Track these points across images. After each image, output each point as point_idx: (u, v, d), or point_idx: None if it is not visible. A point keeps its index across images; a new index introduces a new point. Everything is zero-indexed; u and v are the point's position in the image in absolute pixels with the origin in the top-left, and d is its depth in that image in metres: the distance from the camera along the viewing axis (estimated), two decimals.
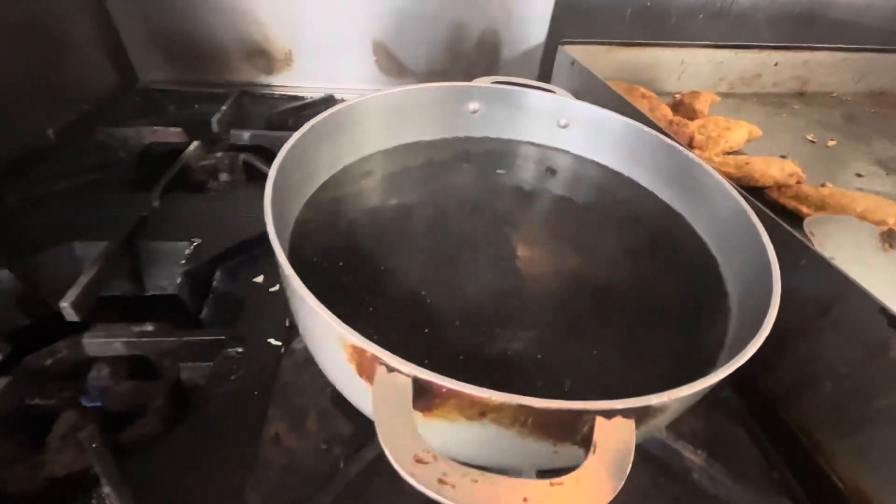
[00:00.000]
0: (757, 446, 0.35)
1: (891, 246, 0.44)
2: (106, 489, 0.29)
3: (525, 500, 0.15)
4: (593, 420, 0.18)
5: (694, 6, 0.91)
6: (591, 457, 0.17)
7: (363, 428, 0.33)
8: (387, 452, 0.16)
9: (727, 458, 0.33)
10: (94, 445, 0.31)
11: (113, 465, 0.30)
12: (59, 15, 0.63)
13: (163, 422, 0.36)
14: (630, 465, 0.17)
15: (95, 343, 0.37)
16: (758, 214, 0.35)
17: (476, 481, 0.16)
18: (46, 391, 0.38)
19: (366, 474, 0.30)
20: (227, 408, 0.35)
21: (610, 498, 0.16)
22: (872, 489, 0.31)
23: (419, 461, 0.16)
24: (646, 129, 0.39)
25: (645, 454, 0.33)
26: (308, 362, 0.38)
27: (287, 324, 0.40)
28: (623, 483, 0.16)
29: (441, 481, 0.16)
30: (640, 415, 0.19)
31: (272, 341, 0.39)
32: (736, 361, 0.20)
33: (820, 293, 0.34)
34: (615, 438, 0.17)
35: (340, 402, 0.35)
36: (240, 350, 0.38)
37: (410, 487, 0.30)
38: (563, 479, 0.16)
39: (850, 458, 0.32)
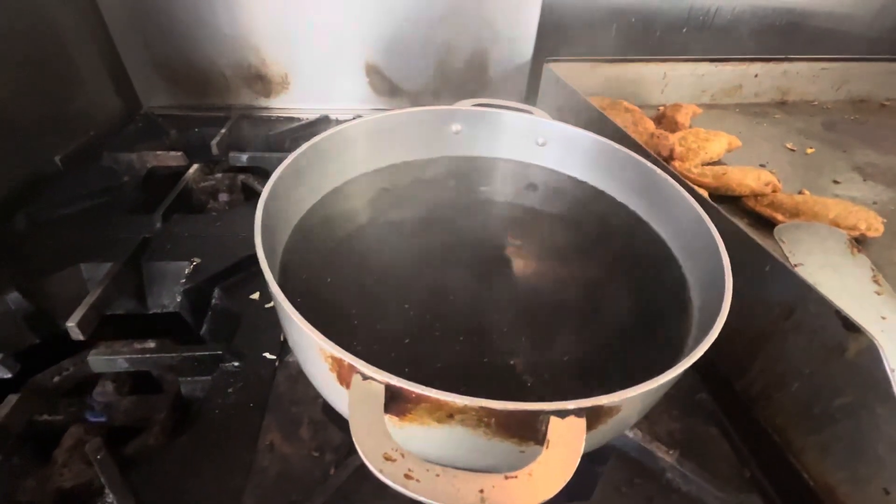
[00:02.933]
0: (730, 445, 0.36)
1: (858, 250, 0.46)
2: (109, 498, 0.31)
3: (481, 491, 0.17)
4: (549, 421, 0.20)
5: (677, 20, 0.94)
6: (544, 452, 0.19)
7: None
8: (359, 451, 0.18)
9: (700, 457, 0.34)
10: (98, 456, 0.33)
11: (116, 474, 0.32)
12: (66, 47, 0.67)
13: (165, 434, 0.38)
14: (578, 461, 0.19)
15: (100, 360, 0.39)
16: (726, 224, 0.38)
17: (438, 475, 0.18)
18: (54, 407, 0.40)
19: (355, 479, 0.32)
20: (225, 419, 0.37)
21: (558, 489, 0.18)
22: (838, 484, 0.32)
23: (388, 458, 0.18)
24: (616, 146, 0.41)
25: (621, 455, 0.34)
26: (301, 374, 0.40)
27: (281, 338, 0.42)
28: (571, 475, 0.18)
29: (407, 476, 0.17)
30: (592, 414, 0.20)
31: (267, 355, 0.41)
32: (680, 366, 0.22)
33: (784, 298, 0.35)
34: (567, 436, 0.19)
35: (331, 412, 0.37)
36: (237, 364, 0.40)
37: (395, 492, 0.31)
38: (517, 472, 0.18)
39: (818, 455, 0.33)
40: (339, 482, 0.31)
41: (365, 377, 0.20)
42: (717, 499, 0.32)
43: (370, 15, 0.76)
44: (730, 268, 0.29)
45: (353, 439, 0.18)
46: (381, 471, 0.17)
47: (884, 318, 0.40)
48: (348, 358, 0.21)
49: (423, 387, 0.20)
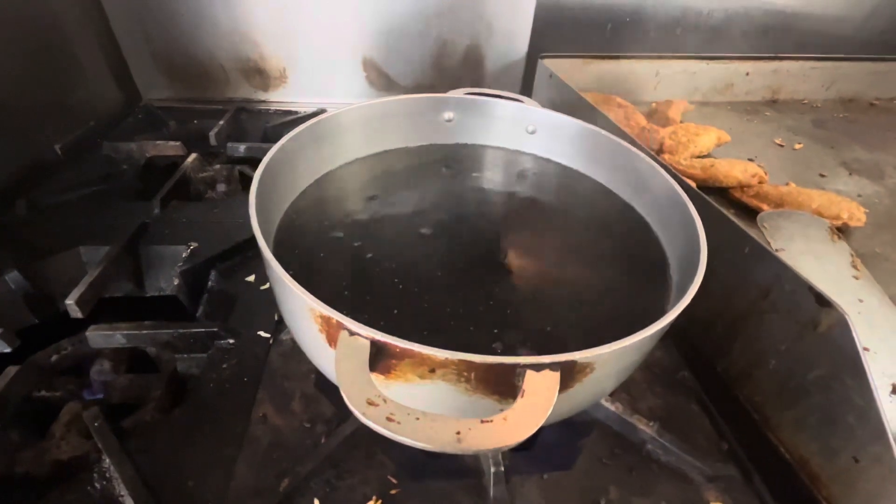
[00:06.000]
0: (709, 421, 0.37)
1: (839, 238, 0.47)
2: (107, 462, 0.32)
3: (458, 433, 0.18)
4: (525, 374, 0.21)
5: (671, 20, 0.95)
6: (518, 400, 0.20)
7: (343, 407, 0.35)
8: (345, 398, 0.19)
9: (680, 430, 0.35)
10: (96, 424, 0.34)
11: (113, 440, 0.33)
12: (68, 39, 0.68)
13: (160, 411, 0.39)
14: (550, 409, 0.20)
15: (98, 336, 0.40)
16: (708, 209, 0.39)
17: (418, 419, 0.19)
18: (52, 385, 0.41)
19: (344, 447, 0.33)
20: (220, 393, 0.38)
21: (529, 433, 0.19)
22: (812, 456, 0.33)
23: (371, 403, 0.19)
24: (602, 132, 0.42)
25: (603, 428, 0.36)
26: (294, 351, 0.41)
27: (276, 317, 0.44)
28: (543, 421, 0.19)
29: (389, 419, 0.19)
30: (566, 370, 0.22)
31: (262, 333, 0.42)
32: (650, 329, 0.23)
33: (762, 278, 0.37)
34: (541, 387, 0.20)
35: (323, 386, 0.38)
36: (232, 341, 0.41)
37: (382, 459, 0.32)
38: (493, 417, 0.19)
39: (792, 429, 0.35)
40: (328, 450, 0.32)
41: (351, 333, 0.22)
42: (696, 468, 0.33)
43: (367, 10, 0.78)
44: (705, 239, 0.30)
45: (339, 387, 0.20)
46: (364, 414, 0.19)
47: (861, 300, 0.42)
48: (336, 315, 0.22)
49: (406, 341, 0.21)
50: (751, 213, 0.58)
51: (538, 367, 0.21)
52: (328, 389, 0.37)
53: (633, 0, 0.91)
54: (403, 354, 0.21)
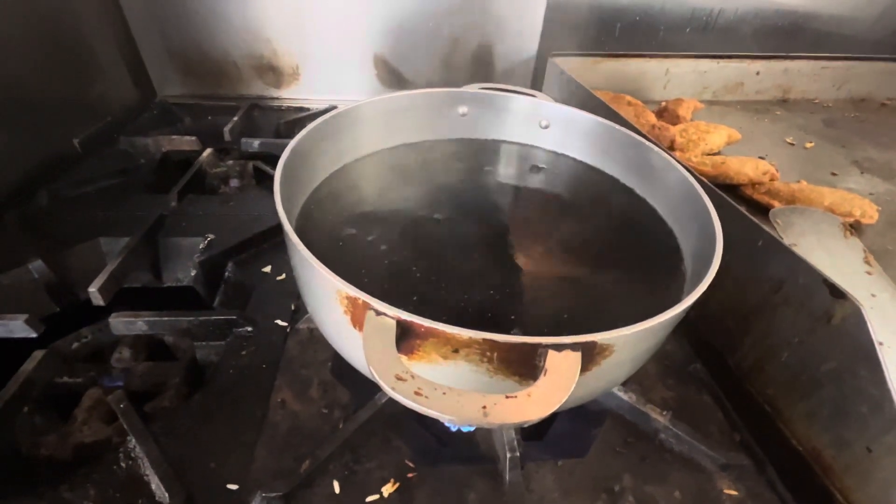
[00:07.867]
0: (721, 412, 0.38)
1: (851, 234, 0.47)
2: (132, 443, 0.33)
3: (484, 407, 0.19)
4: (547, 354, 0.21)
5: (681, 20, 0.95)
6: (541, 378, 0.20)
7: (359, 394, 0.36)
8: (374, 373, 0.20)
9: (692, 420, 0.36)
10: (121, 405, 0.34)
11: (138, 420, 0.33)
12: (87, 36, 0.69)
13: (179, 397, 0.40)
14: (572, 387, 0.20)
15: (121, 322, 0.41)
16: (720, 201, 0.39)
17: (445, 394, 0.19)
18: (73, 371, 0.42)
19: (361, 433, 0.33)
20: (239, 378, 0.38)
21: (552, 410, 0.19)
22: (824, 447, 0.34)
23: (399, 378, 0.20)
24: (616, 126, 0.43)
25: (617, 418, 0.36)
26: (311, 340, 0.41)
27: (292, 307, 0.44)
28: (564, 400, 0.20)
29: (416, 393, 0.19)
30: (587, 351, 0.22)
31: (279, 322, 0.43)
32: (668, 313, 0.24)
33: (774, 272, 0.37)
34: (563, 367, 0.21)
35: (340, 373, 0.38)
36: (250, 329, 0.42)
37: (398, 444, 0.33)
38: (517, 393, 0.20)
39: (805, 421, 0.35)
40: (346, 435, 0.33)
41: (378, 313, 0.22)
42: (708, 457, 0.34)
43: (379, 8, 0.79)
44: (720, 228, 0.30)
45: (368, 364, 0.20)
46: (393, 388, 0.19)
47: (873, 295, 0.42)
48: (363, 296, 0.23)
49: (431, 321, 0.22)
50: (762, 211, 0.58)
51: (559, 348, 0.21)
52: (345, 377, 0.38)
53: (643, 0, 0.91)
54: (428, 334, 0.22)
